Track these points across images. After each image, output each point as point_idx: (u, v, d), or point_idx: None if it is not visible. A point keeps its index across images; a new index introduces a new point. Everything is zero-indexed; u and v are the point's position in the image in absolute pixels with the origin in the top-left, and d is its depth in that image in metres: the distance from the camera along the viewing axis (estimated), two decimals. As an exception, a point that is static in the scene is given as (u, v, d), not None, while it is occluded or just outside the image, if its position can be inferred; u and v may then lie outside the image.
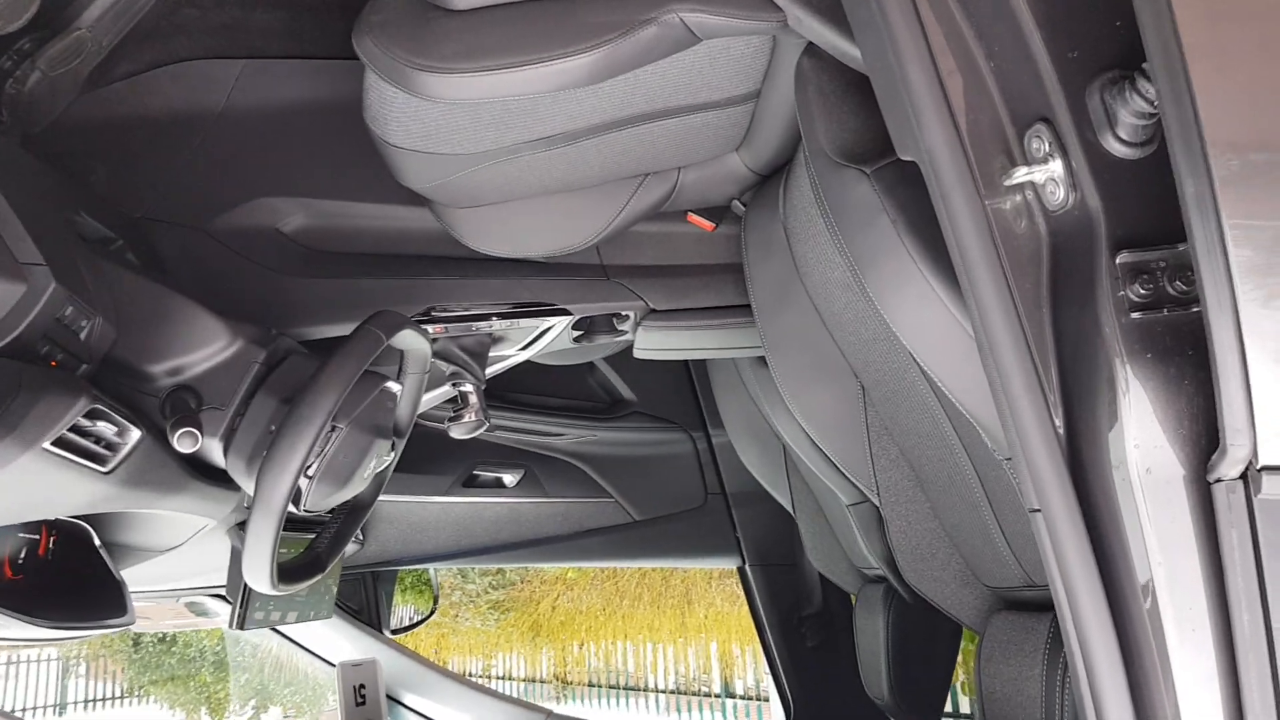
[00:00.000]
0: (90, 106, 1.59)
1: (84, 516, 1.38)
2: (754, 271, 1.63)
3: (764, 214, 1.60)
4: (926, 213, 0.99)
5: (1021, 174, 0.89)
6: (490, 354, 1.81)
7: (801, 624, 2.73)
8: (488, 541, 2.57)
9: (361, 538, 2.46)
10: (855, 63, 1.14)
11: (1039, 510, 0.89)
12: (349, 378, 1.13)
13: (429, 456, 2.53)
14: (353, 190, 1.63)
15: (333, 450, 1.20)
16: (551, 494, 2.61)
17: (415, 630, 2.81)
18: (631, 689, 12.71)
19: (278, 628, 2.32)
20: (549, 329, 1.75)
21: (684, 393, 2.70)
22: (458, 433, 1.70)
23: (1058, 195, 0.89)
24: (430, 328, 1.66)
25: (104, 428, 0.98)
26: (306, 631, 2.38)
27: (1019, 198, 0.92)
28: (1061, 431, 0.89)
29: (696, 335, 1.78)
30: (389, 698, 2.41)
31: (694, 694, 12.50)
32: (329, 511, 1.43)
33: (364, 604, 2.52)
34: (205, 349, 1.17)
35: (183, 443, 1.03)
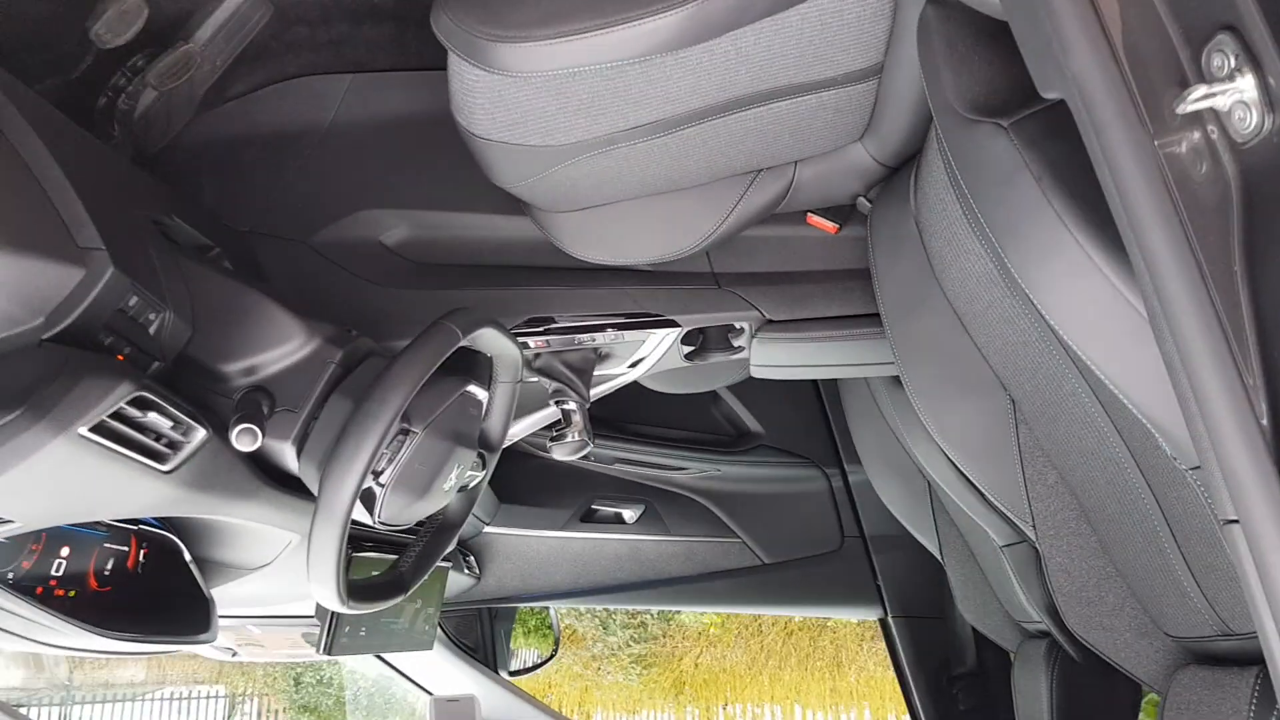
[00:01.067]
0: (204, 127, 1.61)
1: (173, 529, 1.35)
2: (883, 274, 1.46)
3: (893, 209, 1.43)
4: (1077, 166, 0.82)
5: (1199, 96, 0.70)
6: (596, 372, 1.70)
7: (952, 684, 2.46)
8: (606, 580, 2.44)
9: (477, 572, 2.38)
10: (987, 6, 0.98)
11: (1236, 521, 0.69)
12: (419, 375, 1.03)
13: (545, 489, 2.44)
14: (454, 201, 1.58)
15: (407, 456, 1.11)
16: (674, 532, 2.47)
17: (537, 674, 2.70)
18: (778, 753, 12.21)
19: (384, 658, 2.26)
20: (657, 344, 1.63)
21: (816, 425, 2.52)
22: (560, 453, 1.59)
23: (1249, 121, 0.70)
24: (531, 341, 1.57)
25: (156, 420, 0.92)
26: (417, 665, 2.32)
27: (1197, 133, 0.74)
28: (1265, 423, 0.69)
29: (819, 349, 1.61)
30: (501, 743, 2.30)
31: (843, 763, 11.91)
32: (414, 530, 1.35)
33: (479, 641, 2.44)
34: (280, 348, 1.11)
35: (241, 440, 0.97)
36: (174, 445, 0.99)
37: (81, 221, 0.91)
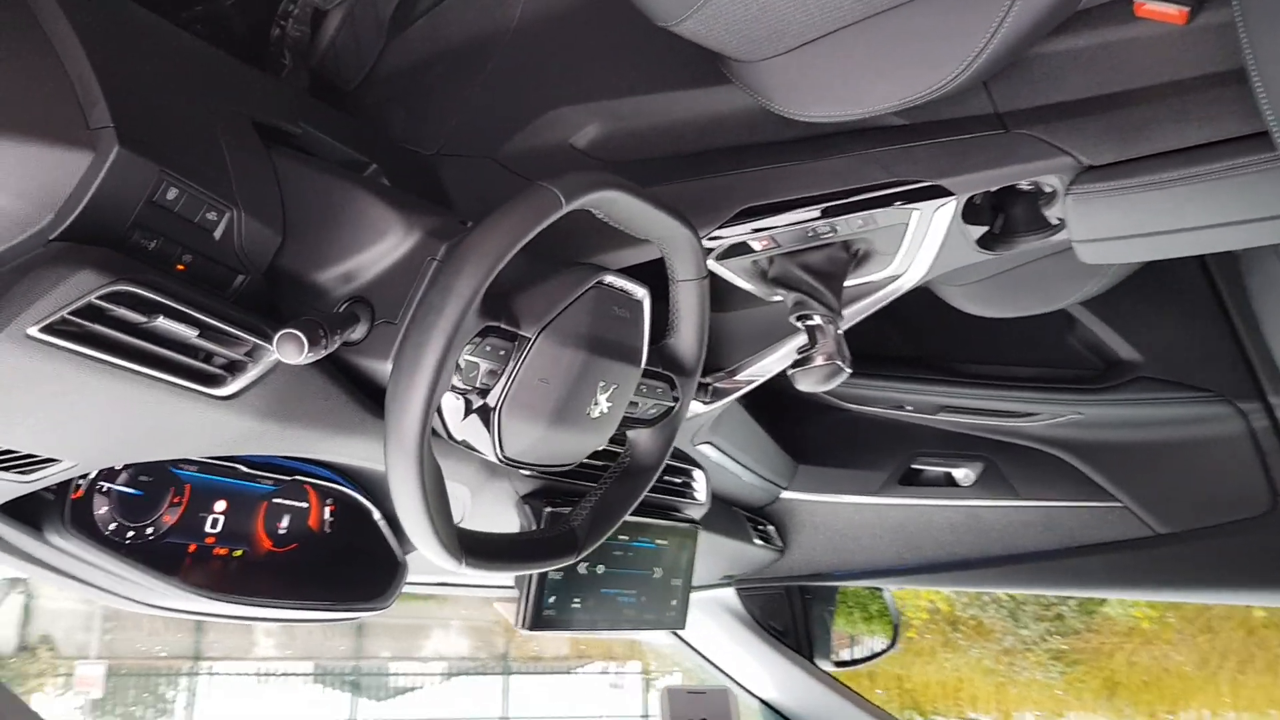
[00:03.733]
0: (395, 54, 1.48)
1: (359, 484, 1.21)
2: (1271, 63, 0.92)
3: None
4: None
5: None
6: (854, 280, 1.32)
7: None
8: (940, 556, 2.00)
9: (779, 544, 2.06)
10: None
11: None
12: (495, 251, 0.76)
13: (852, 446, 2.06)
14: (647, 82, 1.29)
15: (520, 369, 0.84)
16: (1025, 495, 1.96)
17: (874, 665, 2.31)
18: (1253, 775, 10.44)
19: (681, 636, 2.02)
20: (927, 227, 1.20)
21: (1219, 340, 1.85)
22: (805, 383, 1.23)
23: None
24: (755, 242, 1.23)
25: (174, 329, 0.74)
26: (721, 651, 2.05)
27: None
28: None
29: (1176, 202, 1.08)
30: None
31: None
32: (592, 477, 1.08)
33: (790, 625, 2.11)
34: (375, 246, 0.90)
35: (285, 351, 0.76)
36: (235, 367, 0.81)
37: (94, 100, 0.76)
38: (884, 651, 2.30)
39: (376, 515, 1.20)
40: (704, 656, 2.06)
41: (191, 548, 1.04)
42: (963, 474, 2.00)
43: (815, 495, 2.07)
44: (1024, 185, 1.20)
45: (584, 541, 0.98)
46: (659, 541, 1.35)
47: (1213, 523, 1.88)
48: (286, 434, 0.88)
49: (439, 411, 0.89)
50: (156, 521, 1.00)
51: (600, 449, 1.07)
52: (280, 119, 1.01)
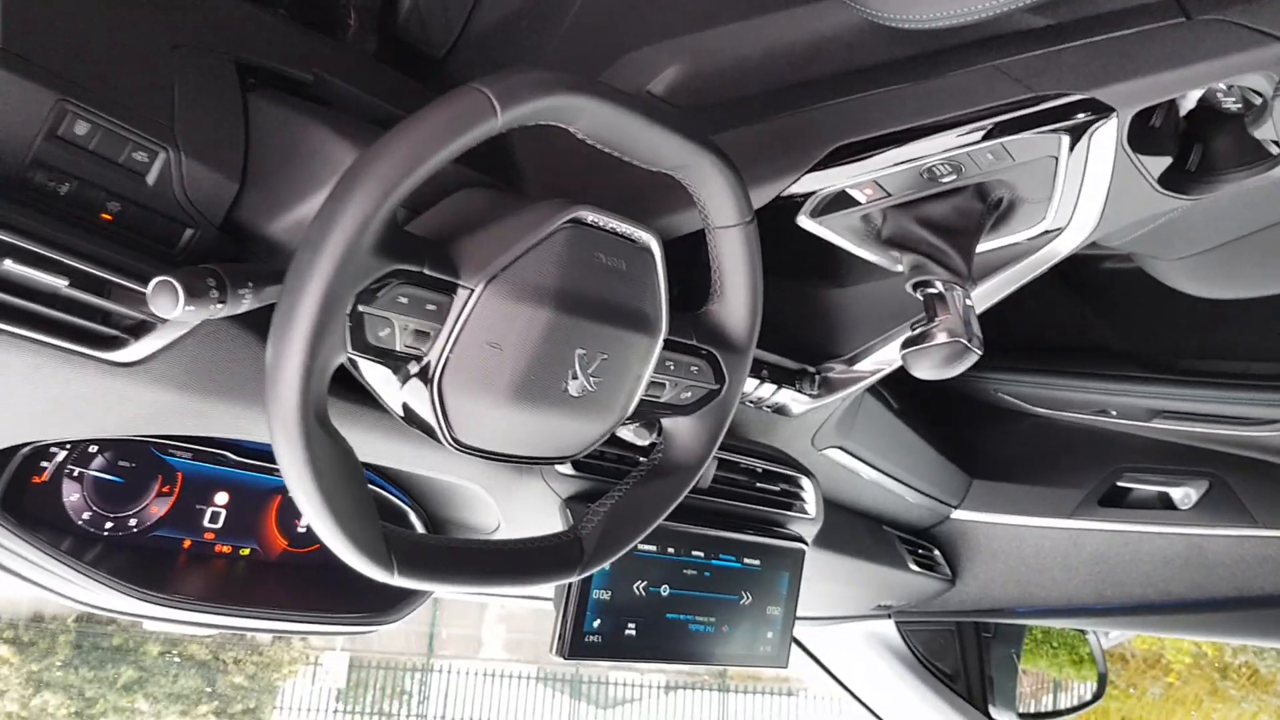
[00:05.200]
0: (487, 11, 1.35)
1: (401, 486, 1.07)
2: None
3: None
4: None
5: None
6: (993, 241, 1.03)
7: None
8: (1151, 595, 1.61)
9: (948, 573, 1.75)
10: None
11: None
12: (396, 173, 0.58)
13: (1042, 458, 1.72)
14: (734, 8, 1.07)
15: (465, 331, 0.65)
16: (1265, 523, 1.54)
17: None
18: None
19: (832, 672, 1.76)
20: (1084, 160, 0.91)
21: None
22: (921, 368, 0.96)
23: None
24: (858, 192, 0.98)
25: (32, 276, 0.62)
26: (874, 692, 1.76)
27: None
28: None
29: None
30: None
31: None
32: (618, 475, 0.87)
33: (959, 668, 1.78)
34: (329, 187, 0.75)
35: (158, 303, 0.62)
36: (142, 329, 0.69)
37: None
38: (1088, 704, 1.91)
39: (414, 518, 1.06)
40: (855, 697, 1.78)
41: (186, 544, 0.94)
42: (1182, 494, 1.61)
43: (994, 516, 1.74)
44: (1226, 101, 0.88)
45: (591, 555, 0.77)
46: (749, 561, 1.12)
47: None
48: (214, 411, 0.75)
49: (377, 385, 0.73)
50: (141, 513, 0.91)
51: (635, 441, 0.87)
52: (278, 62, 0.89)
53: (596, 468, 1.03)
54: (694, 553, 1.08)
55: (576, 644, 0.98)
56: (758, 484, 1.19)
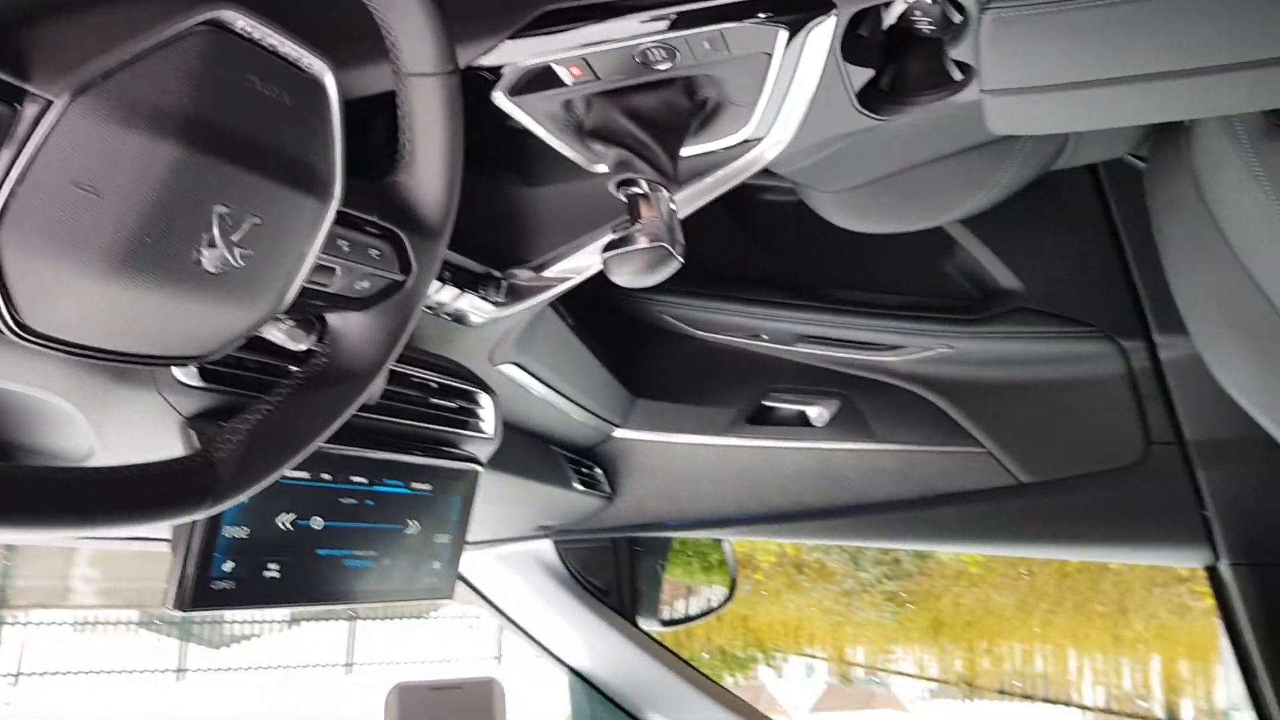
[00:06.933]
0: None
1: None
2: None
3: None
4: None
5: None
6: (696, 146, 0.99)
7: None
8: (785, 504, 1.74)
9: (608, 490, 1.75)
10: None
11: None
12: None
13: (698, 379, 1.76)
14: None
15: (37, 162, 0.45)
16: (883, 438, 1.72)
17: (708, 620, 2.06)
18: (1050, 701, 11.24)
19: (492, 601, 1.69)
20: (795, 61, 0.88)
21: (1106, 272, 1.64)
22: (621, 273, 0.89)
23: None
24: (564, 71, 0.88)
25: None
26: (527, 614, 1.74)
27: None
28: None
29: (1124, 27, 0.80)
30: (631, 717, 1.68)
31: (1130, 716, 10.68)
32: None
33: (613, 582, 1.81)
34: None
35: None
36: None
37: None
38: (718, 608, 2.05)
39: None
40: (509, 619, 1.74)
41: None
42: (817, 413, 1.74)
43: (653, 434, 1.76)
44: (921, 21, 0.90)
45: (227, 485, 0.60)
46: (418, 486, 0.99)
47: (1082, 472, 1.70)
48: None
49: None
50: None
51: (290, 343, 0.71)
52: None
53: (232, 378, 0.79)
54: (354, 479, 0.93)
55: (201, 593, 0.79)
56: (431, 399, 1.06)
